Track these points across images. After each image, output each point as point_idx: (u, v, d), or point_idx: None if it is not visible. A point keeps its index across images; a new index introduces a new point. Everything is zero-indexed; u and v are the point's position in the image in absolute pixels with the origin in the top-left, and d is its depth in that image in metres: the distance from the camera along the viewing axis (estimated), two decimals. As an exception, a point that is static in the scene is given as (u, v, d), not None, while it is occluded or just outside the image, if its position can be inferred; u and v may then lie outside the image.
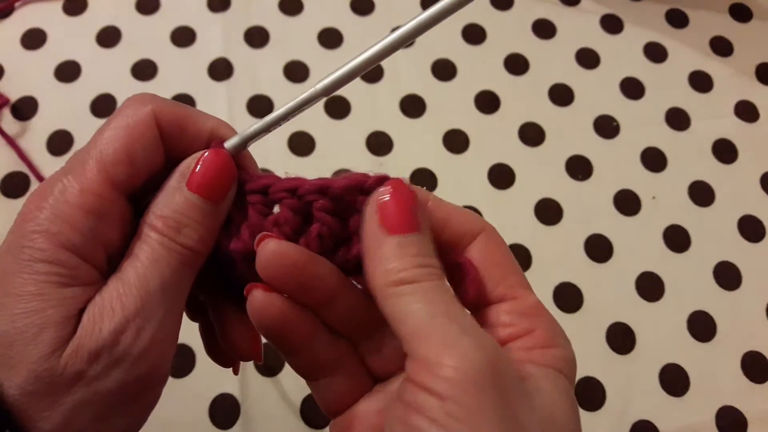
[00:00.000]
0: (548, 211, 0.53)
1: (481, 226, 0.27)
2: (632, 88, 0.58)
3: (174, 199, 0.26)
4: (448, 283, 0.24)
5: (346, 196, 0.25)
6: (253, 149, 0.54)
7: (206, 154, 0.26)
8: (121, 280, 0.25)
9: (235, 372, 0.31)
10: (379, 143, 0.54)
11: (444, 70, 0.58)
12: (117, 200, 0.25)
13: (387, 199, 0.24)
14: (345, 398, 0.27)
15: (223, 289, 0.28)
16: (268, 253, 0.24)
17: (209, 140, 0.27)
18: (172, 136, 0.26)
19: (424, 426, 0.20)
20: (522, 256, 0.51)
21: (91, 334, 0.24)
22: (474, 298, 0.26)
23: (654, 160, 0.55)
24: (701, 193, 0.54)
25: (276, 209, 0.27)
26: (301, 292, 0.26)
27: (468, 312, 0.23)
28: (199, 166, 0.26)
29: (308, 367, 0.27)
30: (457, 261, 0.26)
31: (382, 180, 0.25)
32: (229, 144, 0.27)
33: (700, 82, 0.58)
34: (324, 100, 0.57)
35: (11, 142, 0.52)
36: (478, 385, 0.20)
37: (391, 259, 0.23)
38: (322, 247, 0.26)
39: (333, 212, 0.26)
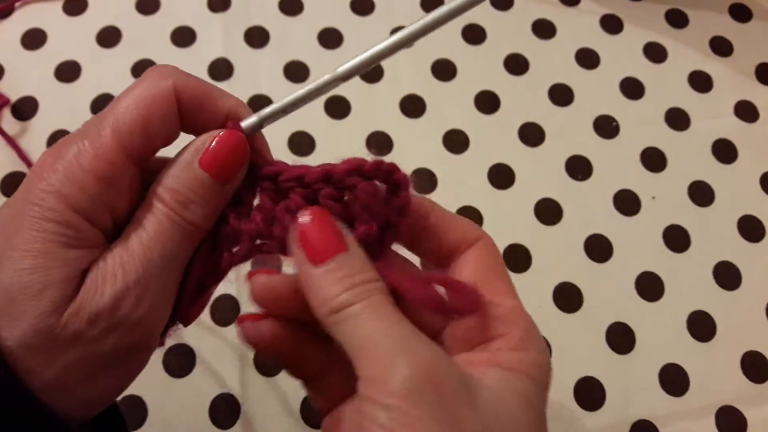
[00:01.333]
0: (548, 211, 0.53)
1: (478, 235, 0.28)
2: (632, 88, 0.58)
3: (185, 175, 0.26)
4: (383, 294, 0.25)
5: (347, 181, 0.27)
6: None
7: (221, 133, 0.27)
8: (125, 247, 0.25)
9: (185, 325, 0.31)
10: (379, 143, 0.54)
11: (444, 70, 0.58)
12: (128, 168, 0.26)
13: (306, 227, 0.26)
14: (335, 398, 0.29)
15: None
16: (258, 286, 0.27)
17: (226, 119, 0.27)
18: (191, 111, 0.27)
19: (375, 430, 0.23)
20: (522, 256, 0.51)
21: (93, 297, 0.24)
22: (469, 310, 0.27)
23: (654, 160, 0.55)
24: (701, 193, 0.54)
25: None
26: (291, 312, 0.27)
27: (406, 321, 0.25)
28: (213, 145, 0.26)
29: (300, 371, 0.29)
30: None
31: (379, 165, 0.27)
32: (244, 124, 0.27)
33: (700, 82, 0.58)
34: (324, 100, 0.58)
35: (11, 142, 0.52)
36: (415, 393, 0.23)
37: (322, 289, 0.25)
38: None
39: (337, 198, 0.27)
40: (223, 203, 0.27)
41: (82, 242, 0.25)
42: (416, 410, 0.22)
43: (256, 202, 0.28)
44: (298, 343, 0.28)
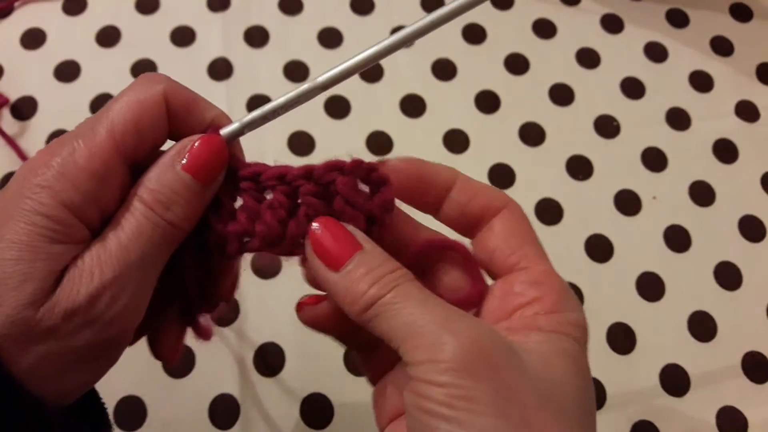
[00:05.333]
0: (548, 211, 0.53)
1: (505, 201, 0.29)
2: (632, 88, 0.58)
3: (166, 176, 0.27)
4: (410, 280, 0.26)
5: (326, 177, 0.28)
6: (253, 148, 0.54)
7: (201, 137, 0.28)
8: (103, 246, 0.26)
9: (170, 365, 0.33)
10: (379, 143, 0.54)
11: (444, 70, 0.58)
12: (120, 168, 0.26)
13: (318, 236, 0.27)
14: (384, 366, 0.30)
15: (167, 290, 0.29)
16: (306, 317, 0.30)
17: (209, 127, 0.28)
18: (178, 117, 0.28)
19: (434, 407, 0.24)
20: (522, 256, 0.51)
21: (69, 294, 0.25)
22: (477, 295, 0.28)
23: (654, 159, 0.55)
24: (702, 193, 0.54)
25: (268, 194, 0.28)
26: (344, 328, 0.29)
27: (441, 301, 0.26)
28: (195, 147, 0.27)
29: (353, 344, 0.31)
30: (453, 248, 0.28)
31: (359, 163, 0.28)
32: (224, 131, 0.28)
33: (701, 81, 0.58)
34: (324, 100, 0.58)
35: (11, 141, 0.52)
36: (466, 368, 0.24)
37: (349, 290, 0.26)
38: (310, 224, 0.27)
39: (318, 195, 0.28)
40: (203, 205, 0.28)
41: (69, 237, 0.25)
42: (471, 383, 0.23)
43: (237, 204, 0.29)
44: (350, 323, 0.28)
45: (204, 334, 0.33)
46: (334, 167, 0.28)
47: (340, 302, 0.26)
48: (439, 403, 0.23)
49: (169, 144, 0.29)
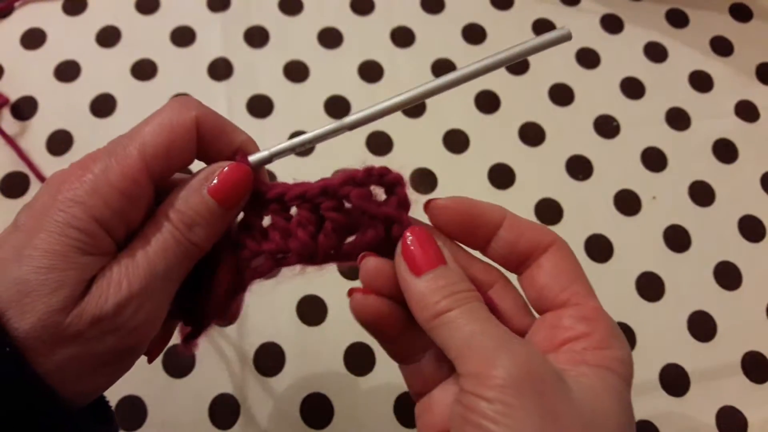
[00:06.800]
0: (548, 211, 0.53)
1: (552, 239, 0.30)
2: (632, 88, 0.58)
3: (193, 199, 0.29)
4: (479, 301, 0.28)
5: (342, 191, 0.30)
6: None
7: (230, 165, 0.29)
8: (132, 259, 0.28)
9: (149, 361, 0.34)
10: (379, 143, 0.54)
11: (444, 70, 0.58)
12: (148, 187, 0.28)
13: (409, 242, 0.28)
14: (428, 382, 0.30)
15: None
16: (371, 268, 0.29)
17: (236, 151, 0.30)
18: (206, 141, 0.29)
19: (479, 420, 0.25)
20: (522, 256, 0.51)
21: (97, 302, 0.26)
22: None
23: (654, 159, 0.55)
24: (701, 193, 0.54)
25: (293, 211, 0.31)
26: (394, 293, 0.29)
27: (501, 324, 0.27)
28: (222, 174, 0.29)
29: (398, 352, 0.31)
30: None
31: (369, 171, 0.30)
32: (252, 158, 0.30)
33: (701, 81, 0.58)
34: (324, 100, 0.58)
35: (11, 141, 0.52)
36: (516, 387, 0.25)
37: (424, 297, 0.27)
38: (338, 238, 0.30)
39: (338, 207, 0.30)
40: (224, 228, 0.30)
41: (97, 249, 0.27)
42: (518, 402, 0.24)
43: (265, 223, 0.31)
44: (399, 324, 0.29)
45: (194, 347, 0.33)
46: (348, 179, 0.30)
47: (413, 304, 0.28)
48: (485, 417, 0.24)
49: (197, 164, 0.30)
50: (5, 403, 0.25)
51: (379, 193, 0.31)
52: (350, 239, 0.31)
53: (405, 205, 0.30)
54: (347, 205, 0.30)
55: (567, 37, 0.32)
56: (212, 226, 0.29)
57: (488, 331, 0.27)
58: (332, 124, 0.30)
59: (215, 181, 0.29)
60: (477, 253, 0.32)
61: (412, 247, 0.28)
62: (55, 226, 0.26)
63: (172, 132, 0.28)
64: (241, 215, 0.31)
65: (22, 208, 0.28)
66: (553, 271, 0.29)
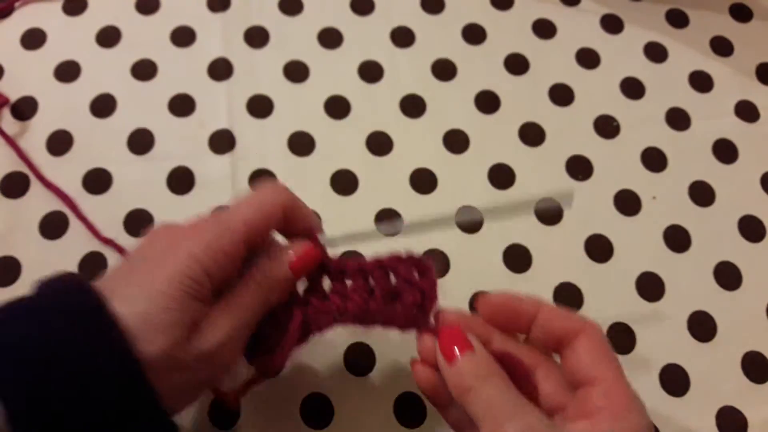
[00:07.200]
0: (548, 212, 0.53)
1: (581, 326, 0.35)
2: (632, 88, 0.58)
3: (277, 270, 0.37)
4: (499, 376, 0.33)
5: (391, 266, 0.39)
6: (255, 150, 0.54)
7: (306, 246, 0.38)
8: (229, 309, 0.35)
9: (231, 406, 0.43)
10: (379, 143, 0.54)
11: (444, 70, 0.58)
12: (244, 251, 0.36)
13: (442, 337, 0.35)
14: None
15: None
16: (428, 346, 0.36)
17: (307, 229, 0.39)
18: (287, 218, 0.38)
19: None
20: (522, 256, 0.51)
21: (202, 341, 0.33)
22: None
23: (654, 160, 0.55)
24: (701, 193, 0.54)
25: (347, 279, 0.39)
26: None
27: (516, 393, 0.33)
28: (300, 254, 0.38)
29: (453, 421, 0.37)
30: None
31: (411, 256, 0.39)
32: (322, 239, 0.39)
33: (700, 82, 0.58)
34: (324, 100, 0.58)
35: (11, 142, 0.52)
36: None
37: (454, 379, 0.34)
38: (384, 302, 0.38)
39: (385, 279, 0.38)
40: (292, 290, 0.38)
41: (204, 297, 0.34)
42: None
43: (326, 286, 0.39)
44: (448, 394, 0.35)
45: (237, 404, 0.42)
46: (396, 259, 0.39)
47: (449, 386, 0.34)
48: None
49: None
50: (133, 415, 0.31)
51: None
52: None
53: (433, 285, 0.38)
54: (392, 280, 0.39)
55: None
56: (285, 291, 0.38)
57: (503, 398, 0.32)
58: (391, 227, 0.44)
59: (294, 259, 0.37)
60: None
61: (445, 341, 0.35)
62: (176, 275, 0.33)
63: (268, 212, 0.37)
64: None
65: (137, 249, 0.36)
66: (584, 353, 0.35)
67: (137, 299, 0.32)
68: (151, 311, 0.32)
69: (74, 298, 0.32)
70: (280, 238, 0.40)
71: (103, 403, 0.30)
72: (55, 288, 0.33)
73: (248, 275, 0.36)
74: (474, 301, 0.38)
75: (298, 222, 0.38)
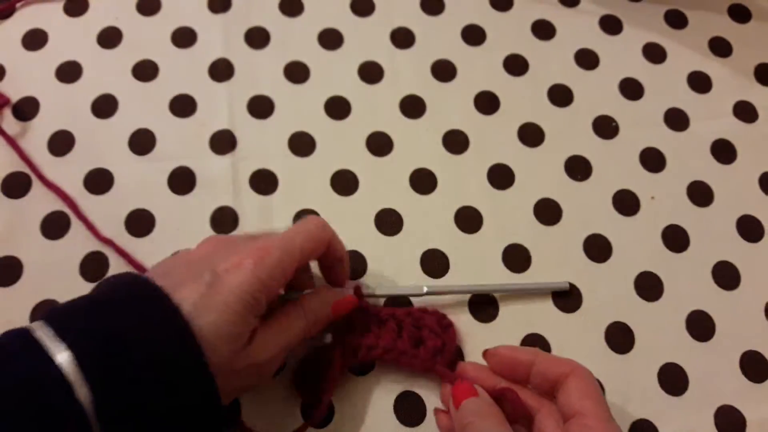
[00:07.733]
0: (548, 211, 0.53)
1: (571, 368, 0.41)
2: (631, 89, 0.58)
3: (322, 311, 0.43)
4: (495, 416, 0.40)
5: (419, 315, 0.46)
6: (256, 150, 0.54)
7: (350, 298, 0.45)
8: (279, 329, 0.40)
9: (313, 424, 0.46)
10: (379, 143, 0.54)
11: (444, 70, 0.58)
12: (293, 275, 0.41)
13: (454, 389, 0.42)
14: None
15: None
16: (468, 368, 0.44)
17: (339, 257, 0.45)
18: (327, 249, 0.43)
19: None
20: (521, 256, 0.51)
21: (255, 353, 0.38)
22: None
23: (653, 160, 0.55)
24: (700, 193, 0.54)
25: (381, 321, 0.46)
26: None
27: (507, 426, 0.39)
28: (342, 300, 0.44)
29: None
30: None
31: (435, 311, 0.47)
32: (361, 290, 0.46)
33: (699, 82, 0.59)
34: (324, 101, 0.58)
35: (12, 142, 0.52)
36: None
37: (460, 418, 0.40)
38: (411, 344, 0.45)
39: (413, 325, 0.46)
40: (327, 326, 0.44)
41: (258, 312, 0.38)
42: None
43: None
44: None
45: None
46: (424, 311, 0.47)
47: (455, 423, 0.41)
48: None
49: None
50: (202, 410, 0.35)
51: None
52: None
53: (453, 338, 0.47)
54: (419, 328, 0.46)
55: (564, 289, 0.50)
56: (324, 326, 0.44)
57: (495, 429, 0.38)
58: (414, 289, 0.48)
59: (337, 306, 0.44)
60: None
61: (456, 391, 0.41)
62: (240, 292, 0.37)
63: (317, 244, 0.42)
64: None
65: (195, 255, 0.41)
66: (573, 392, 0.40)
67: (206, 312, 0.36)
68: (219, 323, 0.36)
69: (151, 303, 0.36)
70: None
71: (180, 402, 0.35)
72: (132, 293, 0.36)
73: (297, 305, 0.42)
74: (483, 355, 0.44)
75: (335, 252, 0.44)
